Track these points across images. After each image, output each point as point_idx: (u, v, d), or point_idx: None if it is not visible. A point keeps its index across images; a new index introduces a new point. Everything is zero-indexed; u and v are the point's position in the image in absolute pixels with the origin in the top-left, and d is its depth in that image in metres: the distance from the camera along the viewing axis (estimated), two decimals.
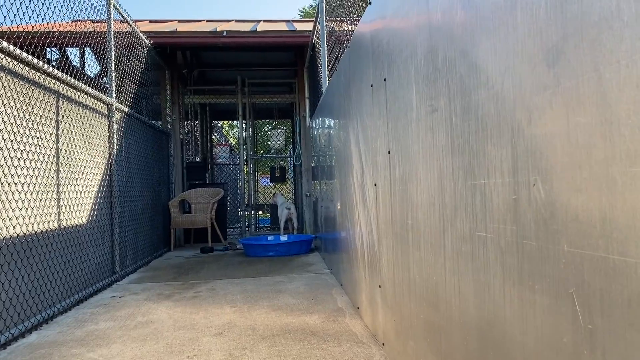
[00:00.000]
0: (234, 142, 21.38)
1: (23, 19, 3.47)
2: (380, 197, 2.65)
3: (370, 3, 2.76)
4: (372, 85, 2.73)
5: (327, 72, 5.54)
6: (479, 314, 1.43)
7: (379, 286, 2.73)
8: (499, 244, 1.29)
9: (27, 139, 3.54)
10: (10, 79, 3.35)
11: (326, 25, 5.76)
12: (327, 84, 5.40)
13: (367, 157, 2.98)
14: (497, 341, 1.31)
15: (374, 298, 2.90)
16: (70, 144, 4.27)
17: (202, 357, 2.75)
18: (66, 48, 6.15)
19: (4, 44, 3.18)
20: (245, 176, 10.78)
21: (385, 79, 2.42)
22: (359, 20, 3.50)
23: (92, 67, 6.57)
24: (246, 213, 10.86)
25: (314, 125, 6.94)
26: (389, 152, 2.41)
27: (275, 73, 10.04)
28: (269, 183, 16.61)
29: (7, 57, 3.29)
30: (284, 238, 7.83)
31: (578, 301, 0.97)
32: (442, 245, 1.70)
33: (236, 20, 10.37)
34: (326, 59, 5.54)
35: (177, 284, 5.03)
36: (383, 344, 2.69)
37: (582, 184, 0.94)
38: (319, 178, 6.42)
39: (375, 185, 2.75)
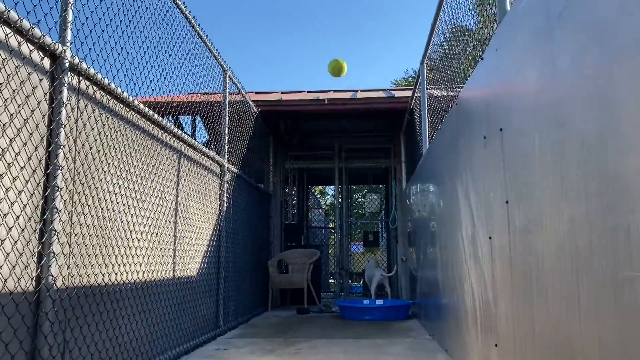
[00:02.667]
0: (326, 208, 21.81)
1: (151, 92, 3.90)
2: (496, 249, 2.58)
3: (482, 59, 2.82)
4: (485, 137, 2.73)
5: (427, 134, 5.60)
6: None
7: (495, 345, 2.60)
8: None
9: (152, 190, 3.86)
10: (143, 136, 3.73)
11: (426, 89, 5.88)
12: (428, 146, 5.44)
13: (479, 210, 2.93)
14: None
15: (489, 359, 2.75)
16: (187, 199, 4.60)
17: None
18: (179, 116, 6.71)
19: (141, 105, 3.58)
20: (339, 239, 10.83)
21: (501, 129, 2.42)
22: (463, 84, 3.56)
23: (200, 134, 7.04)
24: (338, 278, 10.79)
25: (411, 188, 6.93)
26: (506, 202, 2.37)
27: (370, 139, 10.26)
28: (360, 249, 16.52)
29: (142, 118, 3.69)
30: (379, 302, 7.66)
31: None
32: (576, 287, 1.61)
33: (335, 91, 10.84)
34: (427, 121, 5.62)
35: (278, 340, 5.07)
36: None
37: None
38: (417, 241, 6.32)
39: (490, 238, 2.68)
